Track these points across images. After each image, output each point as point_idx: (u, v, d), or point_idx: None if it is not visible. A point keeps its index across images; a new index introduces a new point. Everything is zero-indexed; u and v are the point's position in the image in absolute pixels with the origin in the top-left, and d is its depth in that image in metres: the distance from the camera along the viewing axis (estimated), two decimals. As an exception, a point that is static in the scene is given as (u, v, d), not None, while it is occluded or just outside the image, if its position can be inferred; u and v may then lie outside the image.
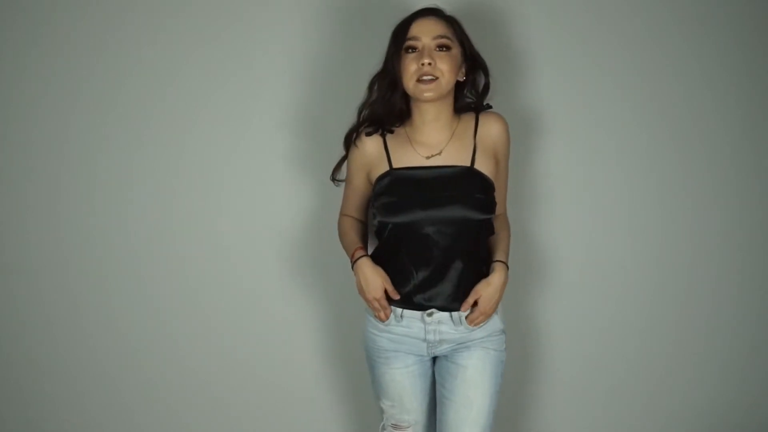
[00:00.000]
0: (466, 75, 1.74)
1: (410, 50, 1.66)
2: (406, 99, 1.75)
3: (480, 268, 1.73)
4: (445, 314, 1.71)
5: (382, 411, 1.86)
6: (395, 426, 1.84)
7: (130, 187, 2.21)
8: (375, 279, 1.70)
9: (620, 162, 2.11)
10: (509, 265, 1.77)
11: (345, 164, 1.86)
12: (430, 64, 1.63)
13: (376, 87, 1.74)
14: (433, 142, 1.73)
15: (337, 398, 2.28)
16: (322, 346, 2.25)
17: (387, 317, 1.72)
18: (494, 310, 1.70)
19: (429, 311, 1.70)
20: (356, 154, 1.79)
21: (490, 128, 1.74)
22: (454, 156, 1.71)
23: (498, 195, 1.76)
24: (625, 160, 2.11)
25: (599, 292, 2.16)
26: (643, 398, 2.20)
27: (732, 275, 2.15)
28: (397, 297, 1.71)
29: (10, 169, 2.23)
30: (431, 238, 1.67)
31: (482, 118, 1.76)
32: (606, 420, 2.22)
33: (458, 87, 1.75)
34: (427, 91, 1.65)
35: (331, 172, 1.88)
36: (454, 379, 1.73)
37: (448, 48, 1.66)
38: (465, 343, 1.72)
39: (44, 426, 2.33)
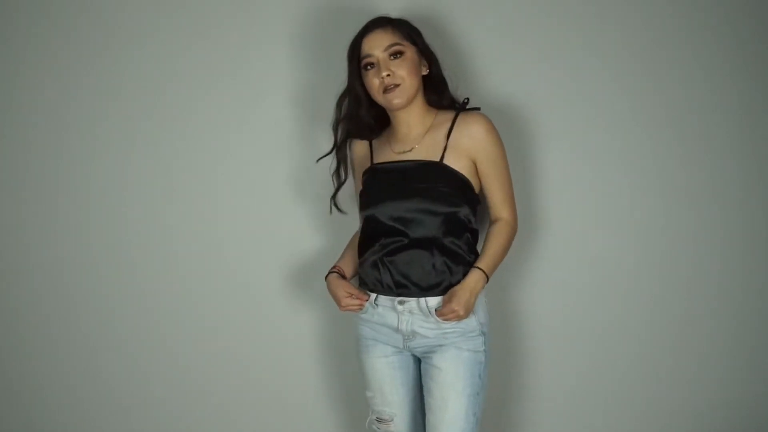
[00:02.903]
0: (429, 68, 1.81)
1: (368, 66, 1.75)
2: (374, 112, 1.85)
3: (459, 261, 1.75)
4: (415, 303, 1.74)
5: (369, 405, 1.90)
6: (379, 419, 1.87)
7: (128, 188, 2.22)
8: (336, 293, 1.81)
9: (619, 161, 2.10)
10: (498, 273, 1.81)
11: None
12: (389, 75, 1.72)
13: (344, 104, 1.84)
14: (407, 140, 1.81)
15: (335, 398, 2.28)
16: (319, 346, 2.26)
17: (361, 307, 1.79)
18: (466, 312, 1.71)
19: (400, 299, 1.74)
20: (350, 158, 1.91)
21: (468, 129, 1.77)
22: (424, 152, 1.77)
23: (494, 198, 1.82)
24: (624, 159, 2.10)
25: (598, 293, 2.15)
26: (643, 399, 2.19)
27: (733, 275, 2.13)
28: (365, 297, 1.79)
29: (8, 170, 2.24)
30: (397, 229, 1.74)
31: (461, 117, 1.79)
32: (606, 420, 2.22)
33: (428, 80, 1.82)
34: (395, 99, 1.75)
35: (330, 202, 1.98)
36: (431, 380, 1.76)
37: (401, 53, 1.74)
38: (440, 344, 1.75)
39: (42, 425, 2.34)
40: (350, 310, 1.80)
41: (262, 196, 2.19)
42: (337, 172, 1.93)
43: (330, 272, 1.86)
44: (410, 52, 1.76)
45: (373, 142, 1.88)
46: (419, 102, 1.80)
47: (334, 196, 1.96)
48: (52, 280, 2.27)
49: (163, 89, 2.17)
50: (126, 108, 2.19)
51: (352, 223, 2.05)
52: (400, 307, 1.76)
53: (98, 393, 2.31)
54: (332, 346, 2.25)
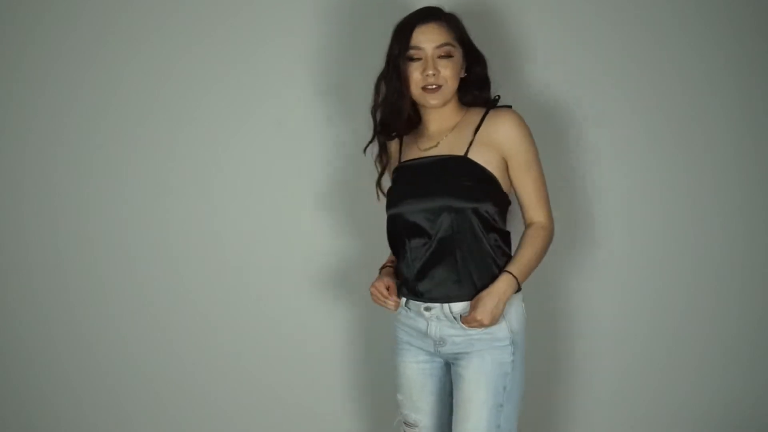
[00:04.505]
0: (468, 71, 1.76)
1: (414, 58, 1.69)
2: (415, 104, 1.77)
3: (485, 263, 1.69)
4: (440, 310, 1.70)
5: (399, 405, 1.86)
6: (406, 423, 1.83)
7: (128, 188, 2.21)
8: (377, 283, 1.77)
9: (620, 161, 2.11)
10: (526, 280, 1.72)
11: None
12: (434, 75, 1.67)
13: (382, 88, 1.75)
14: (434, 136, 1.77)
15: (341, 401, 2.28)
16: (326, 348, 2.25)
17: (395, 307, 1.76)
18: (491, 320, 1.64)
19: (426, 305, 1.71)
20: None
21: (497, 124, 1.70)
22: (450, 147, 1.72)
23: (525, 200, 1.73)
24: (626, 158, 2.10)
25: (598, 294, 2.15)
26: (644, 399, 2.19)
27: (734, 275, 2.13)
28: (394, 295, 1.76)
29: (8, 170, 2.24)
30: (421, 228, 1.69)
31: (491, 113, 1.73)
32: (607, 421, 2.22)
33: (463, 81, 1.76)
34: (433, 99, 1.70)
35: (376, 188, 1.88)
36: (457, 389, 1.71)
37: (450, 55, 1.69)
38: (466, 351, 1.70)
39: (42, 425, 2.33)
40: (377, 301, 1.77)
41: (265, 197, 2.19)
42: (379, 156, 1.85)
43: (385, 266, 1.85)
44: (458, 54, 1.71)
45: (404, 140, 1.82)
46: (453, 101, 1.76)
47: (378, 182, 1.86)
48: (52, 280, 2.27)
49: (164, 89, 2.17)
50: (126, 108, 2.19)
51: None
52: (427, 314, 1.71)
53: (98, 393, 2.31)
54: (340, 348, 2.24)
